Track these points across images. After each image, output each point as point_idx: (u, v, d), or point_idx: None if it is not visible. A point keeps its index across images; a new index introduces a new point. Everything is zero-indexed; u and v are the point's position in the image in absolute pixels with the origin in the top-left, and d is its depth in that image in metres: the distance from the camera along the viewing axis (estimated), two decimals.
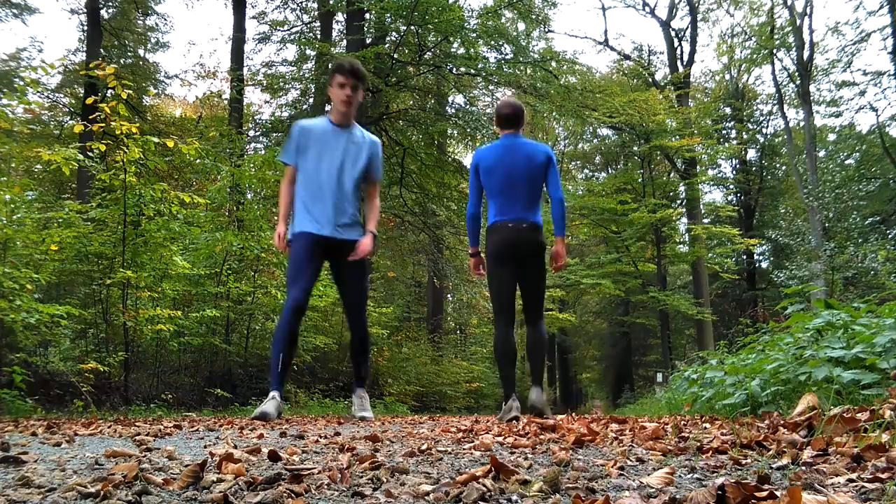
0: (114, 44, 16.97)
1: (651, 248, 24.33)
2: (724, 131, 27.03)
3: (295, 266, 3.61)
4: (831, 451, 1.30)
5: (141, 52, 18.79)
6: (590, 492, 1.04)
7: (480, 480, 1.06)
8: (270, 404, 3.51)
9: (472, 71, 14.54)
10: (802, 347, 3.23)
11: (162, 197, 6.28)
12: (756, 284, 26.23)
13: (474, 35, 13.73)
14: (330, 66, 5.49)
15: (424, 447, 1.76)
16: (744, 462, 1.34)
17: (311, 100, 17.05)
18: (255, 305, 7.88)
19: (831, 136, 24.50)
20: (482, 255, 4.15)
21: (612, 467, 1.27)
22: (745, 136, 26.88)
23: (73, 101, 17.20)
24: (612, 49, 25.33)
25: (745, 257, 26.95)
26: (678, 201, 25.51)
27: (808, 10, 20.26)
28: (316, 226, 3.64)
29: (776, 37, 21.76)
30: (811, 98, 20.52)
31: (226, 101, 18.18)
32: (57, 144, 8.53)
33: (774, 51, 21.87)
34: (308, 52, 16.89)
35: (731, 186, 27.87)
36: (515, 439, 2.04)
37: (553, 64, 15.93)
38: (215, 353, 7.52)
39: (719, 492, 0.89)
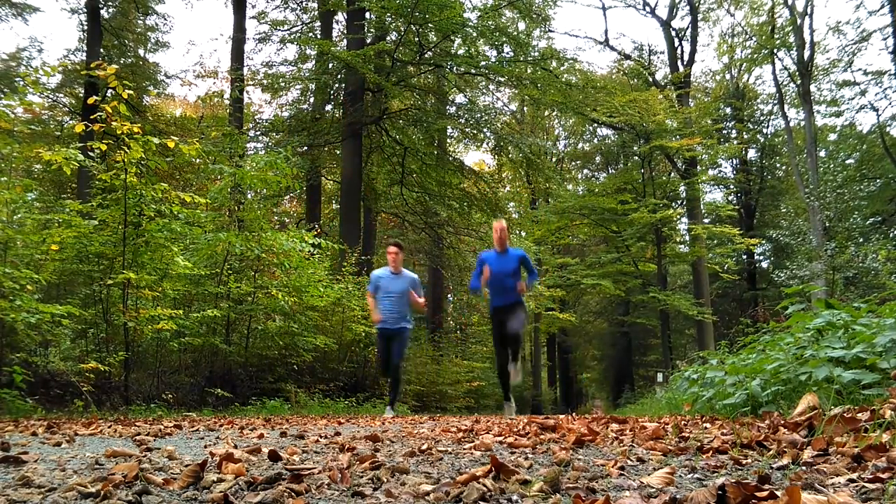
0: (114, 44, 16.97)
1: (651, 248, 24.32)
2: (724, 131, 27.00)
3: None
4: (832, 451, 1.30)
5: (141, 52, 18.79)
6: (590, 492, 1.04)
7: (481, 480, 1.06)
8: None
9: (473, 70, 14.54)
10: (803, 347, 3.23)
11: (163, 197, 6.28)
12: (756, 284, 26.22)
13: (475, 34, 13.73)
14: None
15: (425, 447, 1.76)
16: (744, 462, 1.34)
17: (311, 99, 17.07)
18: (255, 305, 7.88)
19: (832, 136, 24.49)
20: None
21: (612, 467, 1.27)
22: (745, 136, 26.86)
23: (74, 101, 17.20)
24: (613, 49, 25.34)
25: (745, 257, 26.94)
26: (678, 201, 25.50)
27: (808, 10, 20.25)
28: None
29: (777, 36, 21.74)
30: (812, 98, 20.50)
31: (226, 101, 18.19)
32: (57, 144, 8.53)
33: (775, 50, 21.85)
34: (308, 51, 16.90)
35: (732, 186, 27.86)
36: (516, 439, 2.04)
37: (553, 63, 15.93)
38: (216, 353, 7.52)
39: (720, 491, 0.89)
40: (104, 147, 5.83)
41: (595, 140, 31.08)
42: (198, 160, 8.32)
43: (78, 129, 5.82)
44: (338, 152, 15.98)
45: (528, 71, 14.93)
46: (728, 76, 27.47)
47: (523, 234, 24.62)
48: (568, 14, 70.00)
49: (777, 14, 22.02)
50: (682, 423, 2.82)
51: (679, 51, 24.04)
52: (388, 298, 6.57)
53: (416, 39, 13.84)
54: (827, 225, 17.20)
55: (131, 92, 5.77)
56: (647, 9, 24.55)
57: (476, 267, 6.46)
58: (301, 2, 17.64)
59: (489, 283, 6.25)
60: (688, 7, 23.82)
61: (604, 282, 22.89)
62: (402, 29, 13.75)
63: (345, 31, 15.54)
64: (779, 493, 0.86)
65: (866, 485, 0.99)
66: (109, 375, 5.85)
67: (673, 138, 20.77)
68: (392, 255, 6.67)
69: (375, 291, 6.69)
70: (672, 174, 25.64)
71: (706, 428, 2.36)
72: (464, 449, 1.79)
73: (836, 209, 16.90)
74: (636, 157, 25.63)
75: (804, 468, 1.16)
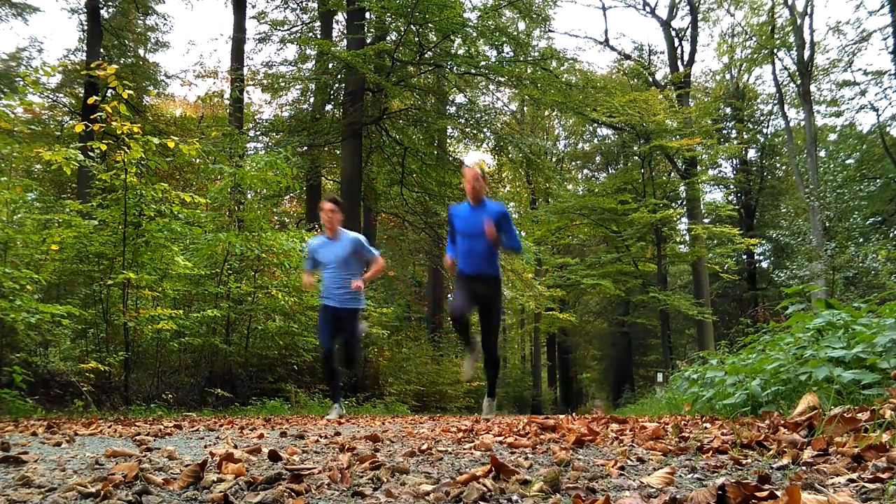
0: (114, 43, 16.97)
1: (651, 248, 24.31)
2: (724, 131, 27.00)
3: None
4: (832, 451, 1.30)
5: (141, 52, 18.79)
6: (590, 492, 1.04)
7: (481, 480, 1.06)
8: None
9: (473, 70, 14.54)
10: (803, 347, 3.23)
11: (163, 197, 6.27)
12: (756, 284, 26.21)
13: (475, 34, 13.74)
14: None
15: (425, 447, 1.76)
16: (744, 462, 1.34)
17: (311, 99, 17.07)
18: (255, 305, 7.88)
19: (832, 136, 24.49)
20: None
21: (612, 467, 1.27)
22: (745, 136, 26.86)
23: (74, 101, 17.19)
24: (613, 49, 25.34)
25: (745, 257, 26.93)
26: (678, 201, 25.49)
27: (808, 10, 20.25)
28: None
29: (777, 36, 21.74)
30: (812, 98, 20.50)
31: (226, 101, 18.18)
32: (57, 144, 8.53)
33: (775, 50, 21.85)
34: (308, 51, 16.90)
35: (732, 186, 27.86)
36: (516, 439, 2.04)
37: (553, 63, 15.93)
38: (216, 353, 7.52)
39: (720, 491, 0.89)
40: (104, 147, 5.83)
41: (595, 140, 31.07)
42: (198, 160, 8.32)
43: (78, 129, 5.82)
44: (338, 152, 15.99)
45: (528, 71, 14.93)
46: (728, 76, 27.47)
47: (523, 234, 24.61)
48: (568, 14, 70.06)
49: (777, 14, 22.02)
50: (682, 423, 2.83)
51: (679, 51, 24.04)
52: (327, 271, 5.32)
53: (416, 39, 13.84)
54: (827, 225, 17.20)
55: (131, 92, 5.77)
56: (647, 9, 24.56)
57: (449, 227, 5.21)
58: (301, 2, 17.64)
59: (458, 244, 5.05)
60: (688, 7, 23.82)
61: (604, 282, 22.89)
62: (402, 29, 13.75)
63: (345, 31, 15.53)
64: (779, 493, 0.86)
65: (866, 485, 0.99)
66: (109, 375, 5.85)
67: (673, 138, 20.76)
68: (326, 215, 5.31)
69: (313, 267, 5.46)
70: (672, 174, 25.63)
71: (706, 428, 2.36)
72: (464, 449, 1.79)
73: (836, 209, 16.89)
74: (636, 157, 25.62)
75: (804, 468, 1.16)
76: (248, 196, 9.54)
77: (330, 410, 5.50)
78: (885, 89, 20.62)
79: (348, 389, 9.82)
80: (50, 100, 17.15)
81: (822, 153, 22.51)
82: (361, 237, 5.51)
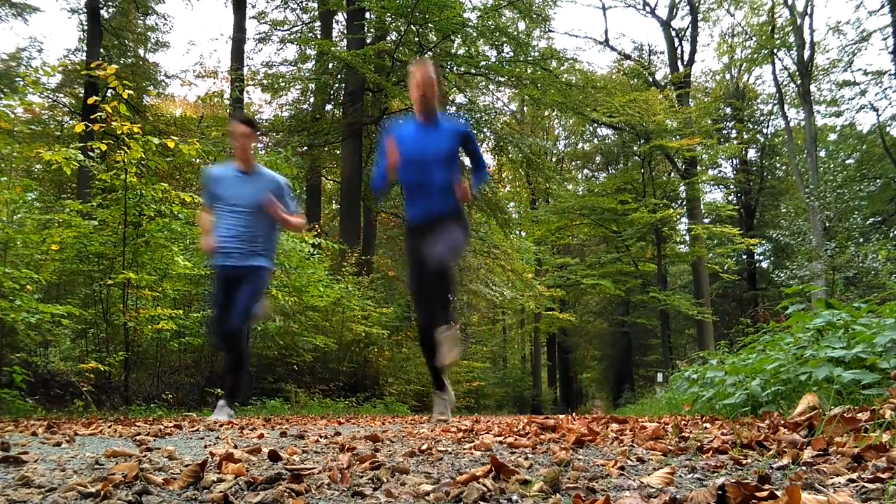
0: (114, 43, 16.97)
1: (651, 248, 24.33)
2: (724, 131, 27.01)
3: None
4: (832, 451, 1.30)
5: (141, 52, 18.79)
6: (590, 492, 1.04)
7: (481, 480, 1.06)
8: None
9: (473, 70, 14.55)
10: (803, 347, 3.23)
11: (163, 197, 6.27)
12: (756, 284, 26.22)
13: (475, 34, 13.74)
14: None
15: (425, 447, 1.76)
16: (744, 462, 1.34)
17: (311, 99, 17.08)
18: None
19: (832, 136, 24.50)
20: None
21: (612, 467, 1.27)
22: (745, 136, 26.87)
23: (74, 101, 17.19)
24: (613, 49, 25.36)
25: (745, 257, 26.94)
26: (678, 201, 25.51)
27: (808, 10, 20.26)
28: None
29: (777, 36, 21.74)
30: (812, 98, 20.50)
31: (226, 101, 18.19)
32: (57, 144, 8.53)
33: (775, 50, 21.86)
34: (308, 51, 16.90)
35: (732, 186, 27.87)
36: (516, 439, 2.04)
37: (553, 63, 15.94)
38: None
39: (720, 492, 0.89)
40: (104, 147, 5.83)
41: (595, 140, 31.08)
42: (198, 160, 8.32)
43: (78, 129, 5.82)
44: (338, 152, 15.99)
45: (528, 71, 14.95)
46: (728, 76, 27.48)
47: (523, 234, 24.62)
48: (568, 14, 70.10)
49: (777, 14, 22.03)
50: (682, 423, 2.83)
51: (679, 51, 24.06)
52: (233, 214, 4.15)
53: (416, 39, 13.85)
54: (827, 225, 17.20)
55: (131, 92, 5.77)
56: (647, 9, 24.57)
57: (380, 152, 3.83)
58: (301, 2, 17.65)
59: (402, 179, 3.66)
60: (688, 7, 23.83)
61: (604, 282, 22.90)
62: (402, 29, 13.76)
63: (345, 31, 15.54)
64: (779, 493, 0.86)
65: (866, 485, 0.99)
66: (109, 375, 5.85)
67: (673, 138, 20.77)
68: (240, 141, 4.16)
69: (213, 203, 4.27)
70: (672, 174, 25.64)
71: (706, 428, 2.37)
72: (464, 449, 1.79)
73: (836, 209, 16.89)
74: (636, 157, 25.64)
75: (804, 468, 1.16)
76: None
77: (218, 410, 4.12)
78: (885, 89, 20.64)
79: (348, 389, 9.79)
80: (50, 100, 17.16)
81: (822, 153, 22.52)
82: (285, 181, 4.36)
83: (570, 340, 31.90)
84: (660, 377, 16.13)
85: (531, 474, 1.19)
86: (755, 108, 27.69)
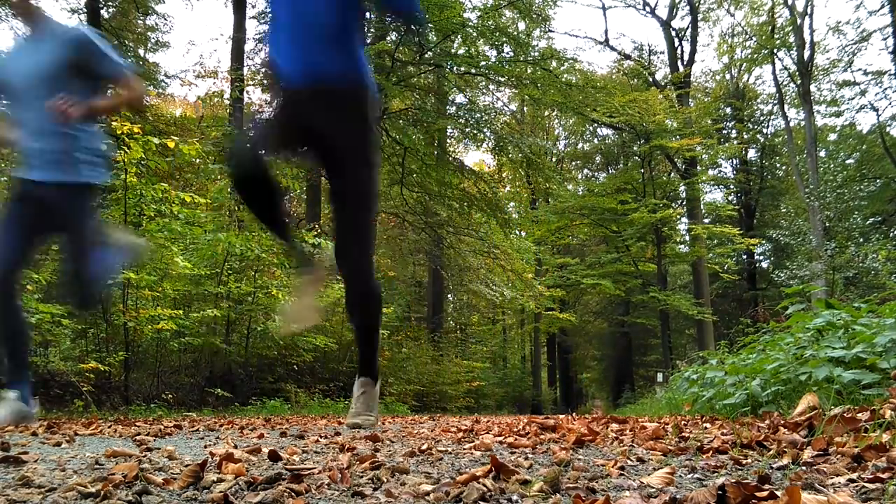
0: (114, 43, 16.95)
1: (651, 248, 24.33)
2: (724, 131, 27.02)
3: None
4: (832, 451, 1.30)
5: (141, 52, 18.78)
6: (590, 492, 1.04)
7: (481, 480, 1.06)
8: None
9: (473, 70, 14.55)
10: (803, 347, 3.23)
11: (163, 197, 6.28)
12: (756, 284, 26.22)
13: (475, 34, 13.75)
14: None
15: (425, 447, 1.76)
16: (744, 462, 1.34)
17: None
18: (255, 305, 7.88)
19: (832, 136, 24.50)
20: None
21: (612, 467, 1.27)
22: (745, 136, 26.88)
23: None
24: (613, 49, 25.37)
25: (745, 257, 26.94)
26: (678, 201, 25.51)
27: (808, 10, 20.28)
28: None
29: (777, 36, 21.75)
30: (812, 98, 20.51)
31: (226, 101, 18.19)
32: None
33: (775, 50, 21.86)
34: None
35: (732, 186, 27.87)
36: (516, 439, 2.04)
37: (553, 63, 15.94)
38: (215, 353, 7.52)
39: (720, 492, 0.89)
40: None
41: (595, 140, 31.08)
42: (198, 160, 8.33)
43: None
44: None
45: (528, 71, 14.94)
46: (728, 76, 27.49)
47: (523, 234, 24.62)
48: (568, 14, 70.09)
49: (777, 14, 22.04)
50: (682, 423, 2.83)
51: (679, 51, 24.06)
52: (22, 106, 2.78)
53: (416, 39, 13.85)
54: (827, 225, 17.20)
55: None
56: (647, 9, 24.57)
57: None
58: None
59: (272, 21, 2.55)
60: (688, 7, 23.83)
61: (604, 282, 22.90)
62: (402, 29, 13.75)
63: None
64: (779, 493, 0.86)
65: (866, 485, 0.99)
66: (109, 375, 5.85)
67: (673, 138, 20.78)
68: None
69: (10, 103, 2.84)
70: (672, 174, 25.65)
71: (706, 428, 2.37)
72: (464, 449, 1.79)
73: (836, 209, 16.90)
74: (636, 157, 25.64)
75: (804, 468, 1.16)
76: None
77: (1, 402, 2.78)
78: (885, 89, 20.65)
79: (348, 389, 9.77)
80: None
81: (822, 153, 22.53)
82: (87, 33, 2.86)
83: (570, 340, 31.90)
84: (660, 377, 16.13)
85: (531, 474, 1.19)
86: (755, 108, 27.69)
